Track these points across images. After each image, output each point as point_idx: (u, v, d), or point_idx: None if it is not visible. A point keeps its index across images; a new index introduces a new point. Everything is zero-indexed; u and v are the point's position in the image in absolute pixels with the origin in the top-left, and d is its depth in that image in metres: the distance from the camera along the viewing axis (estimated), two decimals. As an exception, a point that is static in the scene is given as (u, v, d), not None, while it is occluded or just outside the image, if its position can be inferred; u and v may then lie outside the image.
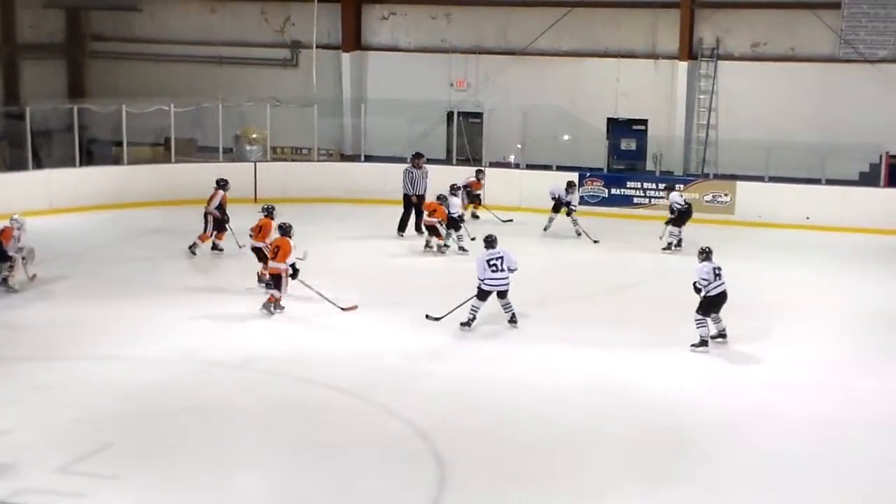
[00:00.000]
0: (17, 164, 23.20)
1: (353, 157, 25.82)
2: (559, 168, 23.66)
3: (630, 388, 12.58)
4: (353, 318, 15.23)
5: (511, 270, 14.49)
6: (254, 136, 25.83)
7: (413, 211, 20.91)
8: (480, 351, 13.89)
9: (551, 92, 25.83)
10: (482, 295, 14.45)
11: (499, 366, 13.34)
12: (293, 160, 26.13)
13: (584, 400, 12.23)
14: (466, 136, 25.85)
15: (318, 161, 25.39)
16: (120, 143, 23.96)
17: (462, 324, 14.41)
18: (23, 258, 16.13)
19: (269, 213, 16.65)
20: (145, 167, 24.21)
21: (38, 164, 23.03)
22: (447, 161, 25.31)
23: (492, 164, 24.51)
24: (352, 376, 12.77)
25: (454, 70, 26.85)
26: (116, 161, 24.44)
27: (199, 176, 23.67)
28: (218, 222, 18.40)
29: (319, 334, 14.59)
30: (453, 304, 14.53)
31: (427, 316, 14.66)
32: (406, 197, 21.04)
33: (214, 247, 18.54)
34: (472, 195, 22.47)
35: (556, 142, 24.31)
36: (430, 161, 24.54)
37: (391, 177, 23.74)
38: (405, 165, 21.41)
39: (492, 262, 14.41)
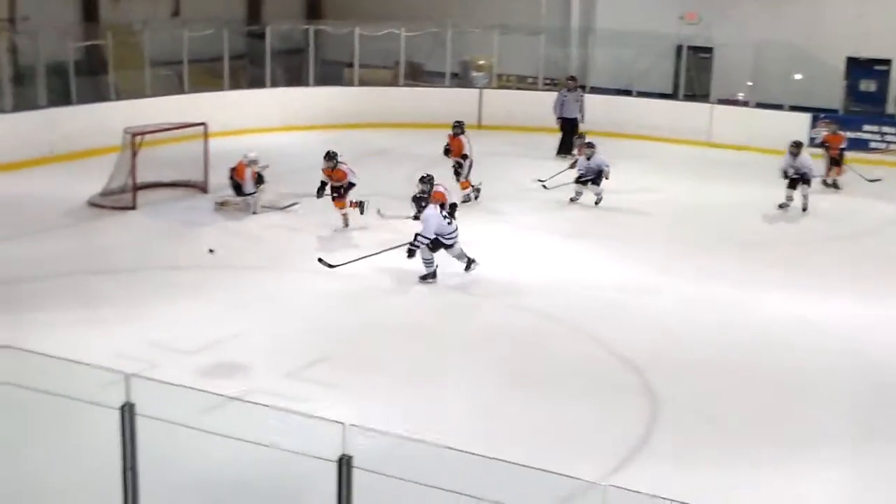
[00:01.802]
0: (256, 82, 24.18)
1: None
2: (792, 108, 22.84)
3: (851, 340, 12.17)
4: (570, 250, 15.33)
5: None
6: (481, 62, 25.98)
7: (565, 134, 21.27)
8: (698, 289, 13.69)
9: (786, 28, 24.76)
10: (438, 247, 13.45)
11: (716, 306, 13.14)
12: (518, 89, 26.15)
13: (802, 347, 11.92)
14: (695, 72, 25.21)
15: (543, 90, 25.33)
16: (351, 65, 24.61)
17: (422, 278, 13.48)
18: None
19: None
20: (374, 89, 24.75)
21: (275, 83, 23.92)
22: (673, 96, 24.79)
23: (720, 101, 23.90)
24: (567, 306, 12.87)
25: (686, 2, 26.13)
26: (347, 82, 25.11)
27: (425, 100, 24.18)
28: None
29: (538, 262, 14.74)
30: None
31: (319, 260, 13.57)
32: (560, 120, 21.53)
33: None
34: (833, 156, 19.47)
35: (788, 80, 23.43)
36: (655, 95, 24.36)
37: (615, 109, 23.62)
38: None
39: (444, 214, 13.56)
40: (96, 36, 22.35)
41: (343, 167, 15.82)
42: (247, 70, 25.52)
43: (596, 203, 17.63)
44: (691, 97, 24.59)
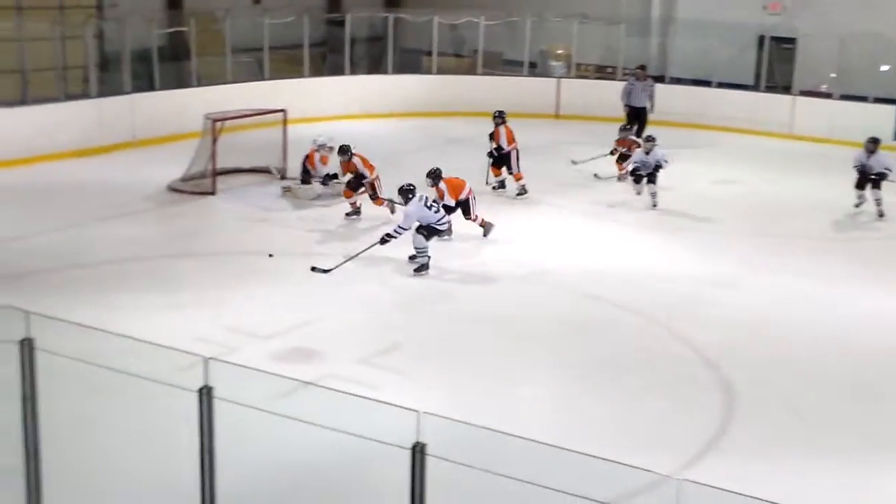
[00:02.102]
0: (335, 70, 24.38)
1: (658, 79, 25.35)
2: (877, 100, 22.40)
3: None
4: (644, 241, 15.22)
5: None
6: (559, 52, 25.88)
7: (635, 123, 21.00)
8: (776, 284, 13.52)
9: (874, 17, 24.15)
10: (431, 234, 13.51)
11: (795, 301, 12.95)
12: (596, 78, 25.99)
13: (883, 346, 11.66)
14: (777, 62, 24.82)
15: (622, 80, 25.10)
16: (430, 53, 24.68)
17: (416, 270, 13.35)
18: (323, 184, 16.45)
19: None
20: (452, 78, 24.80)
21: (354, 70, 24.08)
22: (755, 87, 24.42)
23: (802, 93, 23.52)
24: (642, 297, 12.80)
25: (770, -9, 25.78)
26: (425, 70, 25.19)
27: (502, 89, 24.14)
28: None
29: (611, 252, 14.68)
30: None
31: (313, 268, 13.06)
32: (627, 108, 21.42)
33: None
34: None
35: (874, 71, 22.94)
36: (736, 86, 24.03)
37: (694, 100, 23.40)
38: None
39: (429, 205, 13.50)
40: (180, 23, 22.69)
41: (356, 160, 15.65)
42: (326, 57, 25.73)
43: (653, 206, 16.68)
44: (773, 88, 24.23)
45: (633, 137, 17.97)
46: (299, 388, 8.19)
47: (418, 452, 5.99)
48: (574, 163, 18.19)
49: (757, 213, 17.10)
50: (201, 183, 16.90)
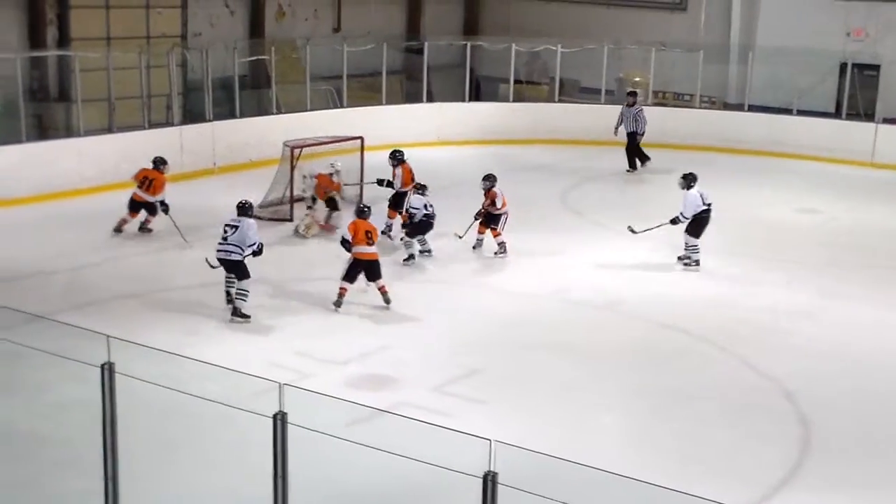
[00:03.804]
0: (412, 97, 24.57)
1: (737, 106, 25.16)
2: (961, 128, 21.99)
3: None
4: (719, 268, 15.01)
5: (239, 247, 12.55)
6: (636, 79, 25.78)
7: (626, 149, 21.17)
8: (854, 314, 13.33)
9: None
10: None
11: (872, 332, 12.78)
12: (674, 106, 25.84)
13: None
14: (859, 90, 24.44)
15: (700, 108, 24.97)
16: (507, 81, 24.74)
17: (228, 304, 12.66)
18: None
19: (158, 165, 15.85)
20: (529, 105, 24.82)
21: (431, 98, 24.23)
22: (836, 115, 24.07)
23: (885, 121, 23.11)
24: (715, 326, 12.70)
25: (853, 18, 25.38)
26: (503, 98, 25.27)
27: (579, 116, 24.12)
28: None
29: (686, 281, 14.58)
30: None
31: (207, 260, 12.94)
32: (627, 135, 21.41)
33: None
34: None
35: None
36: (816, 114, 23.67)
37: (774, 128, 23.14)
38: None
39: (225, 227, 12.81)
40: (261, 51, 23.05)
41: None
42: (404, 85, 25.93)
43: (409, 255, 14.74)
44: (855, 116, 23.86)
45: (497, 189, 15.41)
46: (372, 416, 8.25)
47: (490, 481, 6.01)
48: (459, 237, 15.75)
49: (836, 241, 16.85)
50: (279, 209, 17.10)
